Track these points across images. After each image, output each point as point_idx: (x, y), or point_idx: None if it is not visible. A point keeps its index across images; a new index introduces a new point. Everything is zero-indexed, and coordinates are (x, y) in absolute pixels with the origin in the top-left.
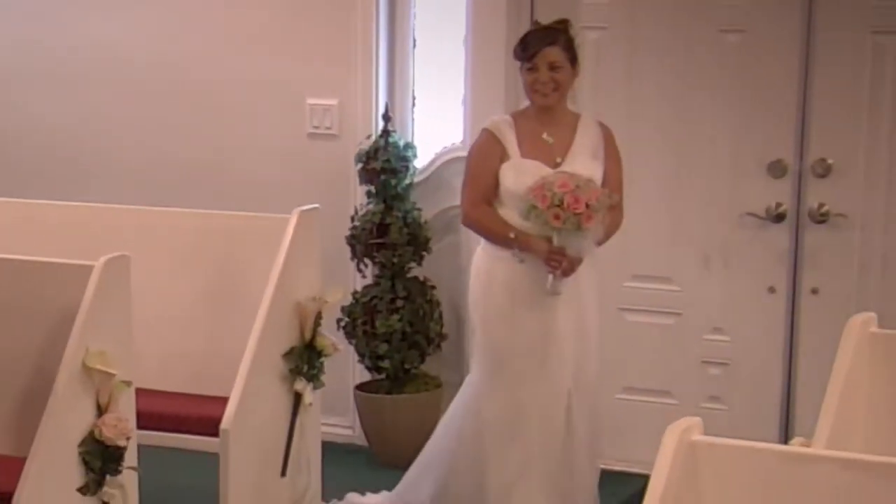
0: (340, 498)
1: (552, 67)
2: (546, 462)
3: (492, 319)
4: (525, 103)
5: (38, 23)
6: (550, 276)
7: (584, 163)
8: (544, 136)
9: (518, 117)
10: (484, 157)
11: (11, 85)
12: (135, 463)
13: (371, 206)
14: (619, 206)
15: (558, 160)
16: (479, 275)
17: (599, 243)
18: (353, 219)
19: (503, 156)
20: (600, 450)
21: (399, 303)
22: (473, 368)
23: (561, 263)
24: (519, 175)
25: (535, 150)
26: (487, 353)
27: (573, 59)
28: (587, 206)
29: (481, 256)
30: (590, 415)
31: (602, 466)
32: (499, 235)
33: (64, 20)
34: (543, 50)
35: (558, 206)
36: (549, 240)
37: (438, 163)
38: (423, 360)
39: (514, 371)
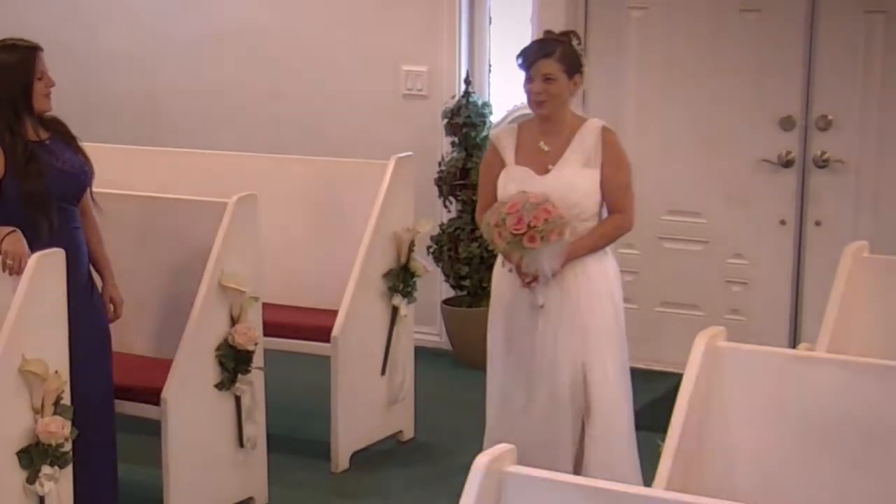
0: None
1: (546, 79)
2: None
3: (492, 320)
4: None
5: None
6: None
7: (572, 170)
8: (541, 143)
9: (523, 126)
10: (485, 166)
11: (163, 55)
12: (261, 364)
13: (455, 154)
14: (626, 209)
15: (549, 167)
16: (493, 278)
17: (586, 251)
18: (439, 164)
19: (502, 164)
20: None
21: (478, 233)
22: None
23: (526, 277)
24: (507, 182)
25: (528, 157)
26: (488, 348)
27: (570, 71)
28: (529, 227)
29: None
30: (604, 425)
31: (641, 367)
32: (492, 244)
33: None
34: (538, 62)
35: (501, 225)
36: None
37: (510, 118)
38: None
39: (501, 373)
